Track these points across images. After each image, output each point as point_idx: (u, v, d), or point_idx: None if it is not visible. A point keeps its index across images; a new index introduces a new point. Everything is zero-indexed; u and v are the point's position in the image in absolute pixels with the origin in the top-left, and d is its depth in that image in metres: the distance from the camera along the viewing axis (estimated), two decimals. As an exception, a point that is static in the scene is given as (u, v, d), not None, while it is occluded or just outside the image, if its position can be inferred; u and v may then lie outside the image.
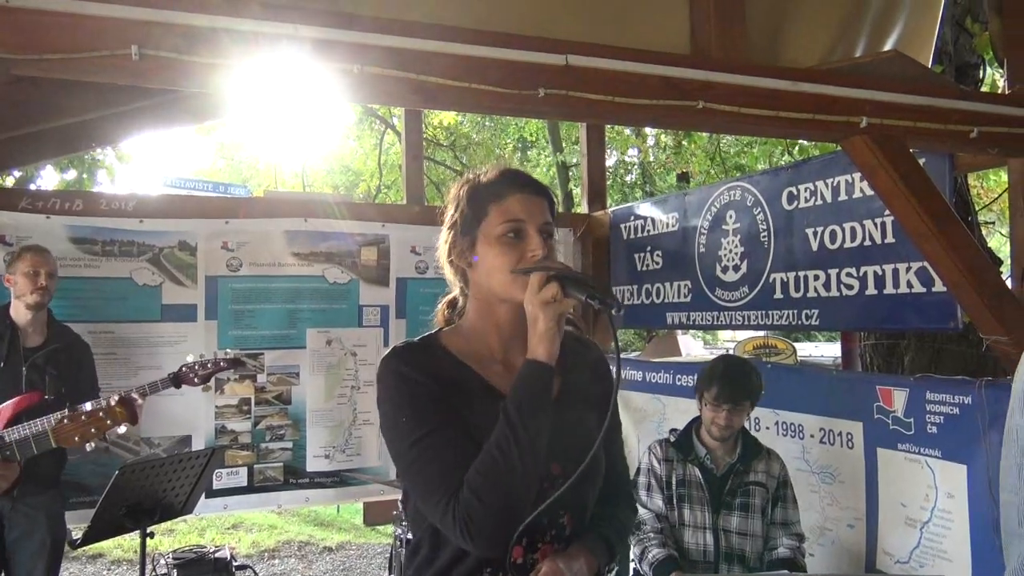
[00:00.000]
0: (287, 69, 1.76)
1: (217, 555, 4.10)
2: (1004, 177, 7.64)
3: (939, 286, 2.87)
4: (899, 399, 3.08)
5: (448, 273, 1.55)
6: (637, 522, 2.89)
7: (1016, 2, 2.88)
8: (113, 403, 2.39)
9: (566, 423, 1.45)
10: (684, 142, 10.42)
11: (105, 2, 1.57)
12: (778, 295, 3.65)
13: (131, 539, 5.78)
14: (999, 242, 9.70)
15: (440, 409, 1.40)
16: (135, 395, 3.16)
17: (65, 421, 2.21)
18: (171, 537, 6.77)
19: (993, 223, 9.20)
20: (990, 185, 8.63)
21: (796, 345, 9.77)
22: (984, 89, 4.52)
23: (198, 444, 4.05)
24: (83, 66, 1.58)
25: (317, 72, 1.80)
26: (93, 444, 2.26)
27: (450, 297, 1.62)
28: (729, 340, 20.24)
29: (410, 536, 3.96)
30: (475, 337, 1.52)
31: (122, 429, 2.40)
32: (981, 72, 4.53)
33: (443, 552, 1.42)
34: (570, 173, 12.68)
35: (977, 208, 5.45)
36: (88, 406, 2.33)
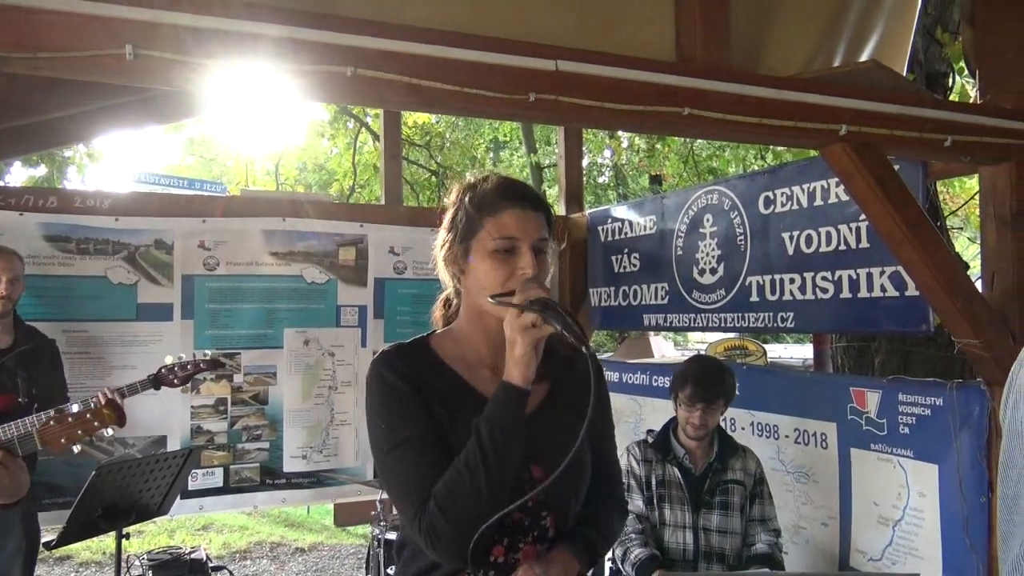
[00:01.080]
0: (281, 70, 1.76)
1: (193, 556, 4.06)
2: (968, 184, 7.84)
3: (912, 290, 2.92)
4: (872, 400, 3.15)
5: (443, 273, 1.55)
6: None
7: (988, 14, 2.94)
8: (101, 405, 2.35)
9: (552, 426, 1.47)
10: (658, 145, 10.49)
11: (101, 0, 1.56)
12: (754, 298, 3.71)
13: (100, 540, 5.73)
14: (963, 245, 9.95)
15: (419, 417, 1.41)
16: (115, 396, 3.11)
17: (51, 423, 2.17)
18: (141, 538, 6.69)
19: (961, 228, 9.41)
20: (955, 191, 8.83)
21: (765, 347, 9.90)
22: (953, 98, 4.62)
23: (173, 444, 4.01)
24: (77, 65, 1.56)
25: (310, 74, 1.81)
26: (79, 447, 2.23)
27: (444, 297, 1.63)
28: (700, 341, 20.44)
29: (388, 536, 3.98)
30: (465, 341, 1.53)
31: (109, 432, 2.37)
32: (950, 81, 4.64)
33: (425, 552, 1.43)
34: (544, 174, 12.72)
35: (945, 214, 5.56)
36: (75, 407, 2.29)
